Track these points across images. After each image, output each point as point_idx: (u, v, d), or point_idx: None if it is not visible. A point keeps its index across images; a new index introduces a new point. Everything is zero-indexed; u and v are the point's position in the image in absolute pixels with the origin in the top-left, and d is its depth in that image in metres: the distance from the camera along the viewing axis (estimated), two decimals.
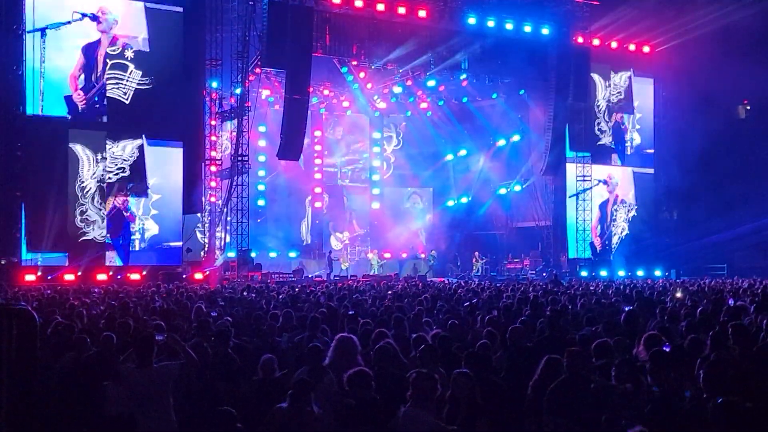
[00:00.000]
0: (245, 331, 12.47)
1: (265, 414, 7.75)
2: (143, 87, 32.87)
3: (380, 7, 35.80)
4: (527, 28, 39.03)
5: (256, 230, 38.71)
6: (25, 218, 30.41)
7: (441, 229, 46.74)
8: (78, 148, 31.73)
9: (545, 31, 39.49)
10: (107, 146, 32.21)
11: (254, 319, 13.51)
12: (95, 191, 31.99)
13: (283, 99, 35.59)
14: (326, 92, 44.07)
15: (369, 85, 43.06)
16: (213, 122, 36.16)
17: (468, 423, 7.48)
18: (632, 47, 43.94)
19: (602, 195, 44.23)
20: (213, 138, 36.16)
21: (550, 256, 43.07)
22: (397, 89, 43.49)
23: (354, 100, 45.37)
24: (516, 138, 44.87)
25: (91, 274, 30.28)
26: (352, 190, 47.86)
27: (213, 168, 36.29)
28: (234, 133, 35.45)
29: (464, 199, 47.11)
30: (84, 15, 31.65)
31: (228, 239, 35.43)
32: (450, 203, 47.63)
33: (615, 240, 44.40)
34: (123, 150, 32.58)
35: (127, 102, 32.72)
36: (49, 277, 29.56)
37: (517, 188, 45.19)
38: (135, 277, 30.95)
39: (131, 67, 32.65)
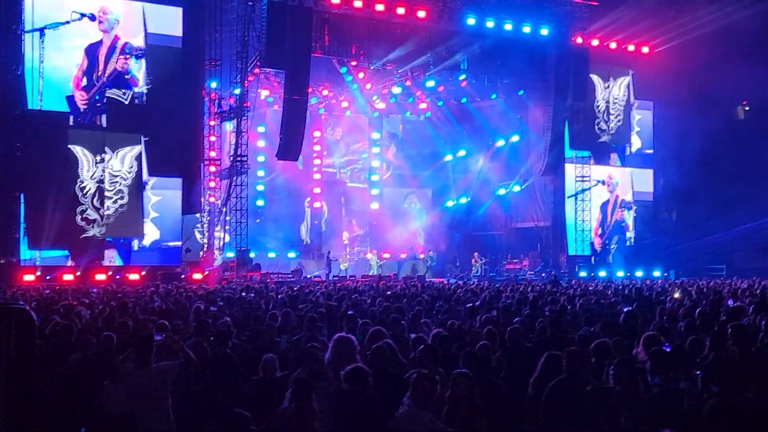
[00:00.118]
0: (244, 331, 12.46)
1: (266, 414, 7.73)
2: (142, 87, 32.85)
3: (379, 7, 35.80)
4: (526, 29, 39.03)
5: (255, 230, 38.70)
6: (25, 217, 30.40)
7: (440, 229, 46.72)
8: (78, 150, 31.72)
9: (544, 31, 39.50)
10: (106, 158, 32.14)
11: (253, 319, 13.50)
12: (95, 191, 31.97)
13: (282, 99, 35.59)
14: (325, 92, 44.07)
15: (368, 86, 43.06)
16: (212, 122, 36.14)
17: (467, 423, 7.47)
18: (631, 48, 43.94)
19: (602, 195, 44.25)
20: (212, 138, 36.14)
21: (549, 257, 43.07)
22: (396, 90, 43.49)
23: (353, 100, 45.37)
24: (515, 138, 44.87)
25: (90, 274, 30.26)
26: (351, 190, 47.83)
27: (212, 168, 36.28)
28: (233, 134, 35.43)
29: (463, 200, 47.10)
30: (83, 15, 31.65)
31: (227, 239, 35.43)
32: (449, 204, 47.61)
33: (614, 240, 44.39)
34: (122, 163, 32.51)
35: (126, 102, 32.72)
36: (47, 277, 29.54)
37: (516, 189, 45.18)
38: (134, 277, 30.93)
39: (131, 67, 32.63)
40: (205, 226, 36.29)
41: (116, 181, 32.39)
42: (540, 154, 41.98)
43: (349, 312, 14.05)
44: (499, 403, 8.27)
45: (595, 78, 43.49)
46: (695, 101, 41.42)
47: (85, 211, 31.74)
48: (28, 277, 29.02)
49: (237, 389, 9.62)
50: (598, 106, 43.94)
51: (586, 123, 42.92)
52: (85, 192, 31.79)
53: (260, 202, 42.53)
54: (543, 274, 39.31)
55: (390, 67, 39.67)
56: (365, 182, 48.29)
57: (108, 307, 15.73)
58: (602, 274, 40.51)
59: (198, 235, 36.61)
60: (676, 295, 19.92)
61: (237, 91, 34.96)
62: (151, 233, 33.21)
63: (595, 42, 42.18)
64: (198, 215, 36.04)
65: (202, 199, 35.59)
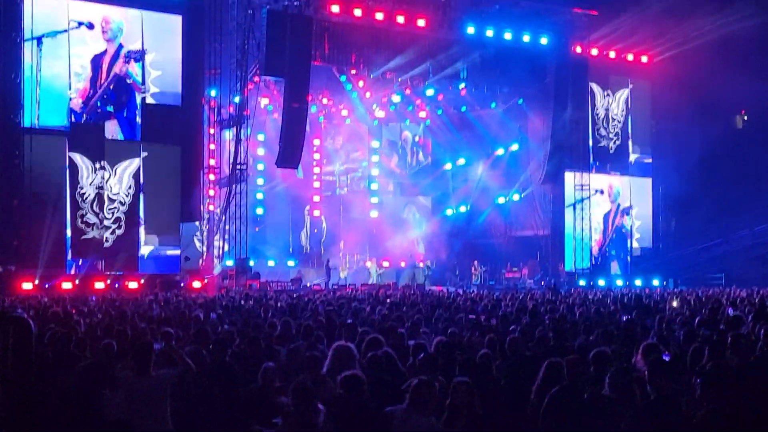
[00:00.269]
0: (244, 339, 12.44)
1: (264, 422, 7.73)
2: (143, 95, 32.87)
3: (379, 16, 35.88)
4: (526, 38, 39.10)
5: (254, 239, 38.69)
6: (23, 227, 30.33)
7: (440, 237, 46.69)
8: (77, 157, 31.71)
9: (544, 41, 39.57)
10: (105, 175, 32.15)
11: (252, 327, 13.49)
12: (94, 197, 31.96)
13: (281, 107, 35.63)
14: (325, 101, 44.14)
15: (368, 94, 43.16)
16: (212, 130, 36.15)
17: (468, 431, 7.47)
18: (630, 57, 44.00)
19: (604, 205, 44.20)
20: (212, 146, 36.14)
21: (548, 265, 43.09)
22: (396, 98, 43.56)
23: (353, 108, 45.43)
24: (515, 147, 44.89)
25: (88, 283, 30.19)
26: (350, 198, 47.83)
27: (212, 176, 36.27)
28: (233, 142, 35.43)
29: (463, 208, 47.09)
30: (80, 23, 31.65)
31: (226, 248, 35.38)
32: (449, 212, 47.61)
33: (614, 249, 44.38)
34: (120, 183, 32.48)
35: (125, 110, 32.72)
36: (46, 286, 29.46)
37: (516, 197, 45.19)
38: (133, 285, 30.87)
39: (131, 70, 32.67)
40: (205, 234, 36.28)
41: (114, 207, 32.34)
42: (539, 163, 42.06)
43: (348, 321, 14.05)
44: (499, 412, 8.26)
45: (594, 87, 43.54)
46: (694, 110, 41.46)
47: (84, 215, 31.72)
48: (27, 286, 28.94)
49: (236, 397, 9.61)
50: (597, 115, 43.99)
51: (585, 133, 42.94)
52: (84, 198, 31.77)
53: (260, 210, 42.49)
54: (542, 283, 39.34)
55: (390, 75, 39.74)
56: (365, 190, 48.29)
57: (107, 316, 15.73)
58: (601, 283, 40.53)
59: (197, 243, 36.60)
60: (674, 304, 19.94)
61: (237, 100, 34.98)
62: (149, 241, 33.14)
63: (594, 51, 42.24)
64: (197, 223, 36.02)
65: (202, 207, 35.56)
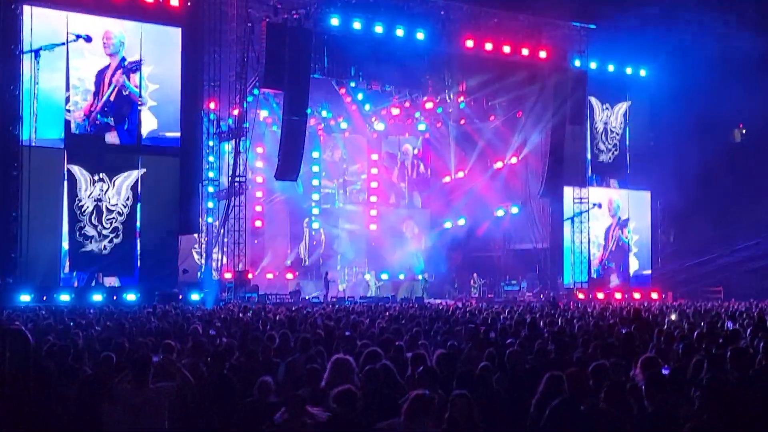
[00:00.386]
0: (242, 352, 12.42)
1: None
2: (142, 107, 32.90)
3: (379, 29, 35.98)
4: (525, 52, 39.16)
5: (253, 251, 38.65)
6: (21, 239, 30.29)
7: (440, 250, 46.62)
8: (75, 169, 31.71)
9: (543, 54, 39.63)
10: (104, 187, 32.15)
11: (251, 340, 13.47)
12: (93, 210, 31.94)
13: (281, 120, 35.68)
14: (324, 113, 44.21)
15: (367, 107, 43.26)
16: (211, 143, 36.17)
17: None
18: (629, 71, 44.07)
19: (603, 218, 44.19)
20: (211, 158, 36.16)
21: (547, 279, 43.08)
22: (395, 111, 43.62)
23: (352, 121, 45.51)
24: (513, 160, 44.92)
25: (86, 295, 30.14)
26: (349, 211, 47.83)
27: (210, 188, 36.27)
28: (232, 154, 35.44)
29: (461, 221, 47.07)
30: (78, 36, 31.68)
31: (225, 260, 35.34)
32: (447, 225, 47.59)
33: (613, 263, 44.37)
34: (118, 195, 32.49)
35: (126, 122, 32.75)
36: (44, 298, 29.41)
37: (515, 210, 45.21)
38: (131, 297, 30.81)
39: (127, 82, 32.71)
40: (203, 246, 36.25)
41: (112, 218, 32.35)
42: (538, 176, 42.07)
43: (347, 333, 14.03)
44: (498, 424, 8.25)
45: (593, 100, 43.60)
46: (692, 124, 41.51)
47: (83, 228, 31.71)
48: (25, 298, 28.90)
49: (233, 410, 9.58)
50: (596, 128, 44.04)
51: (584, 146, 43.00)
52: (83, 210, 31.75)
53: (258, 223, 42.49)
54: (541, 296, 39.30)
55: (389, 88, 39.82)
56: (364, 203, 48.30)
57: (105, 328, 15.71)
58: (600, 296, 40.50)
59: (196, 256, 36.58)
60: (673, 317, 19.93)
61: (236, 112, 35.01)
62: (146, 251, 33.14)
63: (593, 65, 42.29)
64: (196, 236, 36.00)
65: (200, 220, 35.55)
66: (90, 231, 31.85)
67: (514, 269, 44.91)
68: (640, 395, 8.05)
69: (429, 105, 42.65)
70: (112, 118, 32.56)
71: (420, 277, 44.13)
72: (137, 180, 32.72)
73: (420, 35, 36.88)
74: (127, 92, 32.74)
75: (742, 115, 43.95)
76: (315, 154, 45.76)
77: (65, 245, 31.41)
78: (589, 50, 41.56)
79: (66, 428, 9.59)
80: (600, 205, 43.97)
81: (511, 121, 44.36)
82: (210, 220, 36.16)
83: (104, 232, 32.09)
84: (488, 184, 46.12)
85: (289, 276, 43.46)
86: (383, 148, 48.75)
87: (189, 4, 33.72)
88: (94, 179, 32.00)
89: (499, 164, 45.65)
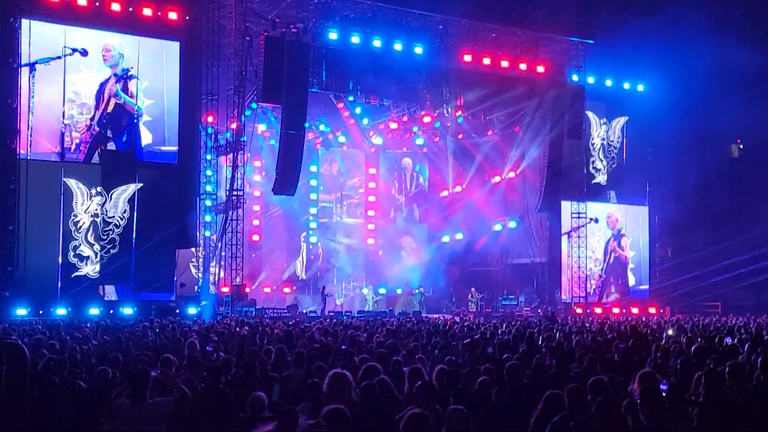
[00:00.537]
0: (239, 367, 12.38)
1: None
2: (140, 120, 32.91)
3: (377, 43, 36.07)
4: (523, 67, 39.26)
5: (250, 265, 38.61)
6: (18, 253, 30.24)
7: (438, 264, 46.59)
8: (72, 183, 31.69)
9: (540, 69, 39.74)
10: (100, 201, 32.14)
11: (248, 354, 13.43)
12: (89, 226, 31.90)
13: (279, 134, 35.70)
14: (322, 127, 44.24)
15: (365, 121, 43.34)
16: (209, 156, 36.17)
17: None
18: (627, 85, 44.17)
19: (600, 233, 44.22)
20: (208, 172, 36.16)
21: (545, 293, 43.05)
22: (393, 125, 43.67)
23: (350, 135, 45.55)
24: (511, 175, 44.96)
25: (83, 309, 30.05)
26: (347, 225, 47.82)
27: (208, 202, 36.25)
28: (229, 168, 35.43)
29: (459, 236, 47.07)
30: (74, 50, 31.70)
31: (222, 274, 35.30)
32: (445, 239, 47.58)
33: (611, 277, 44.36)
34: (116, 208, 32.47)
35: (125, 134, 32.77)
36: (40, 312, 29.33)
37: (513, 225, 45.23)
38: (128, 311, 30.73)
39: (129, 99, 32.74)
40: (201, 260, 36.21)
41: (109, 229, 32.30)
42: (536, 191, 42.11)
43: (343, 347, 14.00)
44: None
45: (590, 115, 43.67)
46: (690, 139, 41.59)
47: (78, 247, 31.63)
48: (21, 311, 28.83)
49: (228, 426, 9.54)
50: (593, 144, 44.10)
51: (581, 161, 43.05)
52: (78, 227, 31.70)
53: (256, 237, 42.47)
54: (539, 311, 39.27)
55: (387, 102, 39.89)
56: (362, 217, 48.30)
57: (102, 342, 15.66)
58: (598, 311, 40.49)
59: (193, 270, 36.53)
60: (671, 332, 19.90)
61: (234, 126, 35.02)
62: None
63: (590, 79, 42.39)
64: (193, 250, 35.96)
65: (198, 233, 35.52)
66: (85, 251, 31.73)
67: (511, 284, 44.91)
68: (637, 411, 8.03)
69: (427, 119, 42.71)
70: (109, 131, 32.55)
71: (416, 291, 44.06)
72: (135, 193, 32.70)
73: (418, 49, 36.98)
74: (124, 105, 32.74)
75: (740, 130, 44.07)
76: (313, 168, 45.77)
77: (61, 260, 31.34)
78: (586, 65, 41.69)
79: None
80: (597, 220, 44.01)
81: (508, 135, 44.42)
82: (207, 233, 36.14)
83: (102, 243, 32.01)
84: (486, 198, 46.16)
85: (287, 290, 43.41)
86: (381, 161, 48.78)
87: (187, 18, 33.78)
88: (91, 193, 31.97)
89: (496, 178, 45.71)
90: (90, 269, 31.79)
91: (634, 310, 41.20)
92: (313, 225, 46.16)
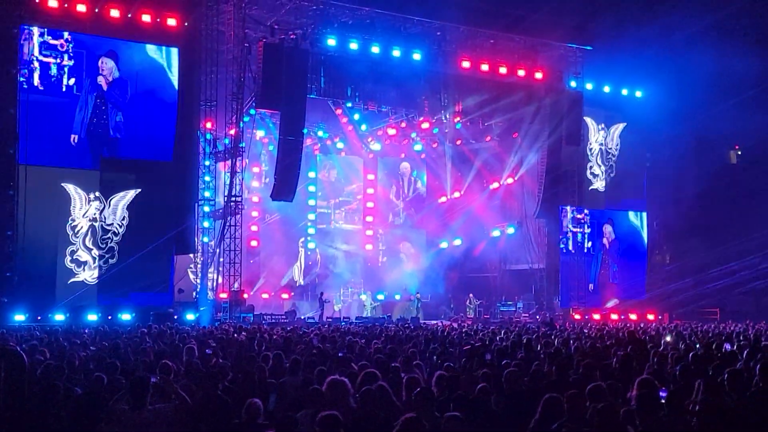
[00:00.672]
0: (236, 372, 12.38)
1: None
2: (137, 126, 32.91)
3: (375, 49, 36.11)
4: (521, 73, 39.31)
5: (248, 271, 38.58)
6: (16, 258, 30.22)
7: (436, 270, 46.56)
8: (70, 188, 31.68)
9: (539, 75, 39.78)
10: (99, 206, 32.13)
11: (246, 361, 13.42)
12: (87, 230, 31.88)
13: (277, 140, 35.71)
14: (320, 133, 44.26)
15: (363, 127, 43.34)
16: (207, 162, 36.16)
17: None
18: (625, 92, 44.21)
19: (599, 239, 44.24)
20: (207, 178, 36.14)
21: (543, 299, 43.03)
22: (391, 131, 43.69)
23: (348, 141, 45.56)
24: (509, 181, 44.98)
25: (81, 314, 30.03)
26: (345, 231, 47.80)
27: (206, 208, 36.23)
28: (228, 174, 35.41)
29: (457, 242, 47.07)
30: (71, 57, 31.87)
31: (220, 280, 35.27)
32: (443, 245, 47.57)
33: (609, 283, 44.37)
34: (114, 214, 32.46)
35: (122, 142, 32.78)
36: (38, 318, 29.32)
37: (511, 231, 45.24)
38: (126, 317, 30.72)
39: (127, 104, 32.78)
40: (199, 266, 36.18)
41: (108, 238, 32.28)
42: (534, 197, 42.12)
43: (340, 354, 13.98)
44: None
45: (588, 121, 43.69)
46: (688, 145, 41.69)
47: (75, 252, 31.62)
48: (19, 317, 28.81)
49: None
50: (591, 150, 44.13)
51: (579, 167, 43.09)
52: (76, 231, 31.69)
53: (254, 243, 42.45)
54: (537, 317, 39.25)
55: (385, 108, 39.91)
56: (360, 223, 48.29)
57: (100, 348, 15.65)
58: (596, 317, 40.47)
59: (191, 276, 36.50)
60: (669, 339, 19.91)
61: (232, 132, 35.01)
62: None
63: (589, 86, 42.44)
64: (191, 255, 35.93)
65: (196, 239, 35.50)
66: (83, 256, 31.72)
67: (510, 290, 44.92)
68: (634, 418, 8.04)
69: (425, 125, 42.74)
70: (108, 136, 32.56)
71: (413, 297, 44.00)
72: (133, 199, 32.70)
73: (416, 56, 37.02)
74: (118, 114, 32.76)
75: (738, 136, 44.15)
76: (311, 174, 45.76)
77: (59, 265, 31.30)
78: (584, 71, 41.74)
79: None
80: (595, 226, 44.00)
81: (507, 141, 44.43)
82: (206, 239, 36.09)
83: (100, 252, 32.00)
84: (484, 204, 46.19)
85: (285, 296, 43.35)
86: (379, 167, 48.79)
87: (186, 24, 33.83)
88: (89, 198, 31.97)
89: (495, 184, 45.74)
90: (88, 275, 31.78)
91: (633, 317, 41.17)
92: (311, 231, 46.13)
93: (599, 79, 42.89)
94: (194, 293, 35.47)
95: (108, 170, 32.63)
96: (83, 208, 31.86)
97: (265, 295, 42.25)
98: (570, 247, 43.15)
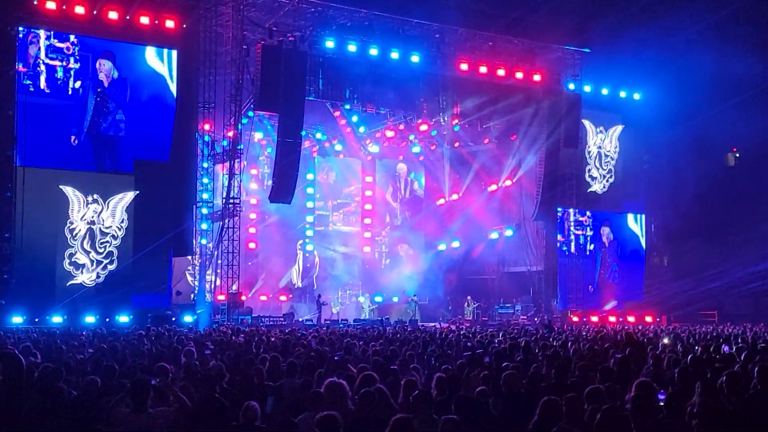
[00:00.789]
0: (234, 375, 12.36)
1: None
2: (133, 128, 32.88)
3: (374, 51, 36.12)
4: (519, 75, 39.33)
5: (246, 273, 38.56)
6: (14, 260, 30.19)
7: (435, 273, 46.54)
8: (68, 190, 31.65)
9: (537, 77, 39.81)
10: (97, 209, 32.09)
11: (244, 363, 13.41)
12: (85, 233, 31.85)
13: (275, 142, 35.69)
14: (319, 136, 44.26)
15: (362, 129, 43.34)
16: (205, 164, 36.14)
17: None
18: (623, 94, 44.25)
19: (597, 241, 44.27)
20: (205, 180, 36.12)
21: (541, 302, 43.01)
22: (390, 133, 43.68)
23: (346, 143, 45.54)
24: (508, 183, 44.98)
25: (79, 317, 30.00)
26: (343, 233, 47.79)
27: (204, 210, 36.20)
28: (226, 176, 35.40)
29: (455, 244, 47.06)
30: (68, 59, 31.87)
31: (218, 282, 35.25)
32: (441, 247, 47.56)
33: (607, 285, 44.39)
34: (113, 217, 32.44)
35: (120, 143, 32.77)
36: (36, 320, 29.29)
37: (509, 233, 45.23)
38: (124, 319, 30.68)
39: (126, 106, 32.77)
40: (197, 268, 36.15)
41: (106, 241, 32.24)
42: (532, 199, 42.14)
43: (336, 357, 13.96)
44: None
45: (587, 123, 43.72)
46: (686, 148, 41.70)
47: (73, 255, 31.58)
48: (17, 319, 28.78)
49: None
50: (589, 152, 44.17)
51: (577, 169, 43.13)
52: (74, 234, 31.65)
53: (252, 245, 42.43)
54: (536, 319, 39.23)
55: (384, 111, 39.91)
56: (358, 225, 48.28)
57: (98, 350, 15.62)
58: (594, 319, 40.48)
59: (189, 278, 36.47)
60: (666, 341, 19.90)
61: (230, 134, 35.00)
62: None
63: (587, 88, 42.47)
64: (189, 258, 35.91)
65: (194, 241, 35.48)
66: (81, 258, 31.69)
67: (508, 292, 44.88)
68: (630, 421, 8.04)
69: (424, 127, 42.73)
70: (108, 135, 32.56)
71: (409, 299, 43.93)
72: (131, 201, 32.68)
73: (415, 58, 37.04)
74: (119, 112, 32.76)
75: (736, 139, 44.17)
76: (309, 176, 45.75)
77: (57, 267, 31.26)
78: (583, 73, 41.78)
79: None
80: (594, 228, 44.04)
81: (505, 143, 44.43)
82: (204, 241, 36.06)
83: (98, 257, 31.96)
84: (483, 206, 46.17)
85: (283, 298, 43.33)
86: (378, 170, 48.79)
87: (185, 26, 33.83)
88: (87, 200, 31.94)
89: (493, 187, 45.71)
90: (86, 277, 31.74)
91: (631, 319, 41.22)
92: (309, 233, 46.12)
93: (597, 81, 42.94)
94: (192, 295, 35.44)
95: (107, 171, 32.59)
96: (81, 211, 31.81)
97: (263, 297, 42.23)
98: (572, 250, 43.21)
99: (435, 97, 39.87)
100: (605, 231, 44.66)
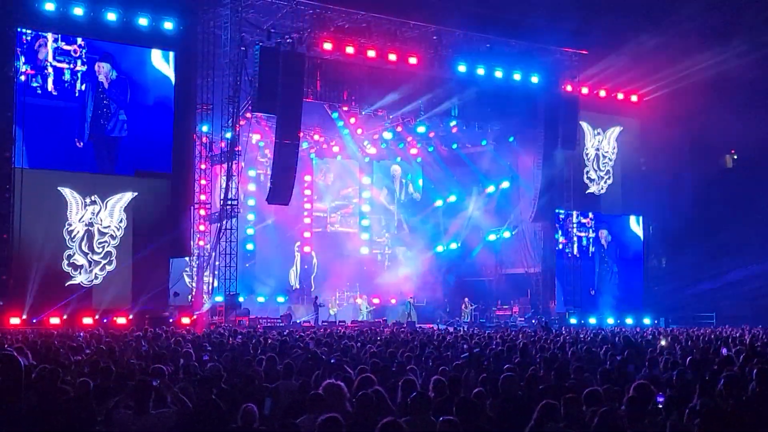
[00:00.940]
0: (232, 376, 12.34)
1: None
2: (134, 129, 32.86)
3: (371, 53, 36.13)
4: (517, 77, 39.38)
5: (244, 274, 38.54)
6: (12, 262, 30.15)
7: (435, 275, 46.52)
8: (66, 191, 31.62)
9: (535, 79, 39.85)
10: (96, 209, 32.07)
11: (241, 364, 13.39)
12: (84, 235, 31.81)
13: (273, 144, 35.69)
14: (316, 137, 44.29)
15: (359, 131, 43.34)
16: (203, 166, 36.12)
17: None
18: (621, 96, 44.29)
19: (595, 243, 44.28)
20: (203, 181, 36.10)
21: (539, 303, 42.99)
22: (388, 135, 43.69)
23: (344, 145, 45.56)
24: (505, 184, 45.00)
25: (76, 318, 29.97)
26: (341, 234, 47.77)
27: (202, 212, 36.17)
28: (224, 177, 35.40)
29: (453, 245, 47.06)
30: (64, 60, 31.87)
31: (216, 283, 35.22)
32: (439, 249, 47.55)
33: (605, 287, 44.40)
34: (111, 217, 32.41)
35: (118, 145, 32.74)
36: (34, 321, 29.25)
37: (507, 235, 45.22)
38: (121, 320, 30.64)
39: (124, 107, 32.75)
40: (194, 269, 36.12)
41: (105, 241, 32.21)
42: (530, 201, 42.16)
43: (332, 360, 13.94)
44: None
45: (584, 125, 43.76)
46: (684, 149, 41.78)
47: (72, 256, 31.54)
48: (14, 321, 28.73)
49: None
50: (587, 154, 44.20)
51: (575, 171, 43.16)
52: (73, 236, 31.62)
53: (250, 246, 42.42)
54: (533, 321, 39.22)
55: (381, 112, 39.94)
56: (355, 227, 48.27)
57: (95, 352, 15.59)
58: (592, 321, 40.49)
59: (187, 279, 36.43)
60: (663, 343, 19.90)
61: (228, 135, 34.98)
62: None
63: (584, 90, 42.50)
64: (187, 259, 35.88)
65: (192, 243, 35.44)
66: (79, 259, 31.65)
67: (506, 294, 44.83)
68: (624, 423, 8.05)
69: (421, 129, 42.72)
70: (110, 136, 32.54)
71: (406, 300, 43.89)
72: (129, 202, 32.66)
73: (412, 60, 37.05)
74: (120, 113, 32.74)
75: (734, 141, 44.17)
76: (307, 178, 45.77)
77: (55, 269, 31.23)
78: (580, 75, 41.78)
79: None
80: (591, 230, 44.05)
81: (503, 145, 44.45)
82: (201, 243, 36.05)
83: (96, 258, 31.92)
84: (480, 208, 46.17)
85: (280, 300, 43.30)
86: (375, 172, 48.79)
87: (182, 28, 33.80)
88: (85, 202, 31.91)
89: (491, 188, 45.71)
90: (84, 278, 31.71)
91: (629, 321, 41.22)
92: (306, 234, 46.11)
93: (595, 83, 42.93)
94: (190, 297, 35.41)
95: (107, 173, 32.57)
96: (79, 213, 31.78)
97: (260, 299, 42.19)
98: (575, 252, 43.23)
99: (432, 98, 39.84)
100: (603, 233, 44.68)
